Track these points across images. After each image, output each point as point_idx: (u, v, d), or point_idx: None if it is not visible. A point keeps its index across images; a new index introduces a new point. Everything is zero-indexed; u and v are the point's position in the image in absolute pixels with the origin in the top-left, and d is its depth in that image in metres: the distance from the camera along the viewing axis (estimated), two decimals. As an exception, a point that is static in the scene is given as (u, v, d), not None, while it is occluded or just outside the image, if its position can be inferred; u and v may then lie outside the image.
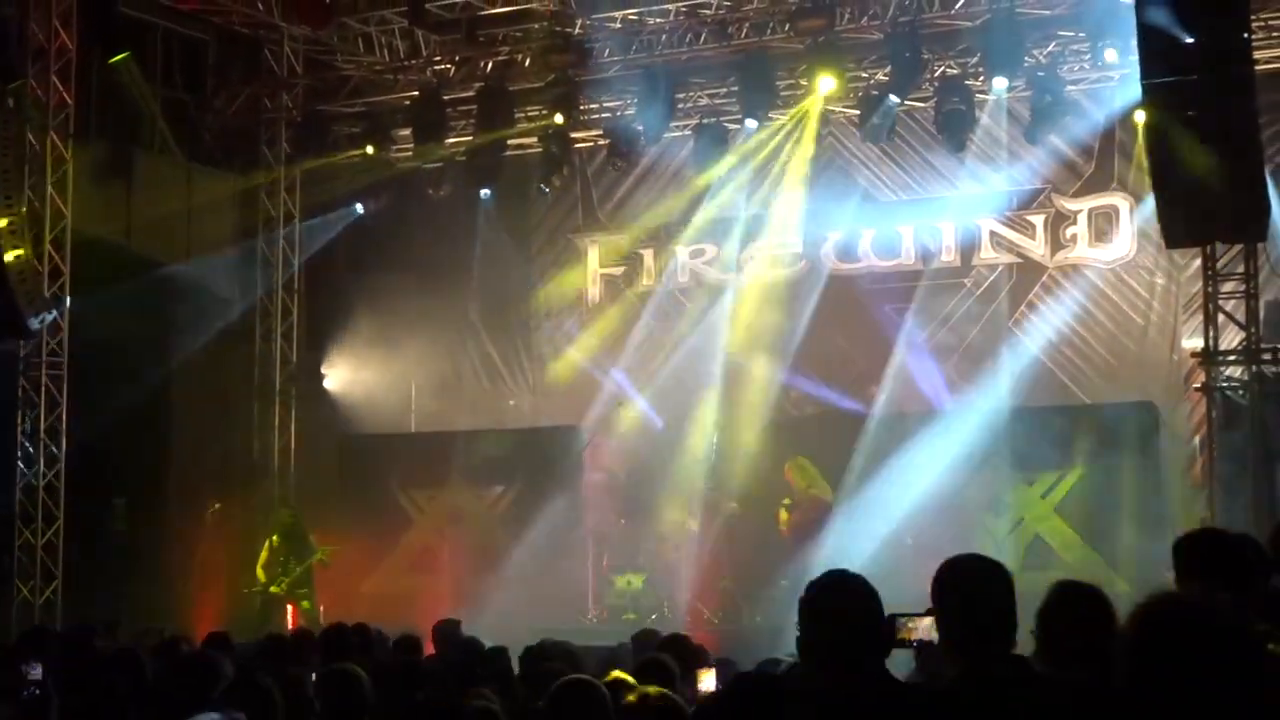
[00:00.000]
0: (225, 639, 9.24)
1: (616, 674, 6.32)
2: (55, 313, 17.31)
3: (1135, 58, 13.84)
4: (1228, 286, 15.77)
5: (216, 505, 19.50)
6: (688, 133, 19.71)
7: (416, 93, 19.79)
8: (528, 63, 19.45)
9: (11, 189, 16.49)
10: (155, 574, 18.20)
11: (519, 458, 19.53)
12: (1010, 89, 17.70)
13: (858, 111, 18.50)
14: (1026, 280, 19.02)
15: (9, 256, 15.93)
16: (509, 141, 19.88)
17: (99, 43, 18.16)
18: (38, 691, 7.09)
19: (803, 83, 18.29)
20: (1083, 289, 18.64)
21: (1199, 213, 13.48)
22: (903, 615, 4.56)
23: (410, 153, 20.38)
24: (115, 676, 6.92)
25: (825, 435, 18.23)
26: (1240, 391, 15.53)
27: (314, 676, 7.16)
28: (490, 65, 19.71)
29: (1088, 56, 17.33)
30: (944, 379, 18.61)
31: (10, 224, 16.06)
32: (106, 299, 17.72)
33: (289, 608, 18.30)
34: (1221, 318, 15.61)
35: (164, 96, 19.93)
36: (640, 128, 19.23)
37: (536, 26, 19.02)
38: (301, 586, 18.45)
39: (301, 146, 20.64)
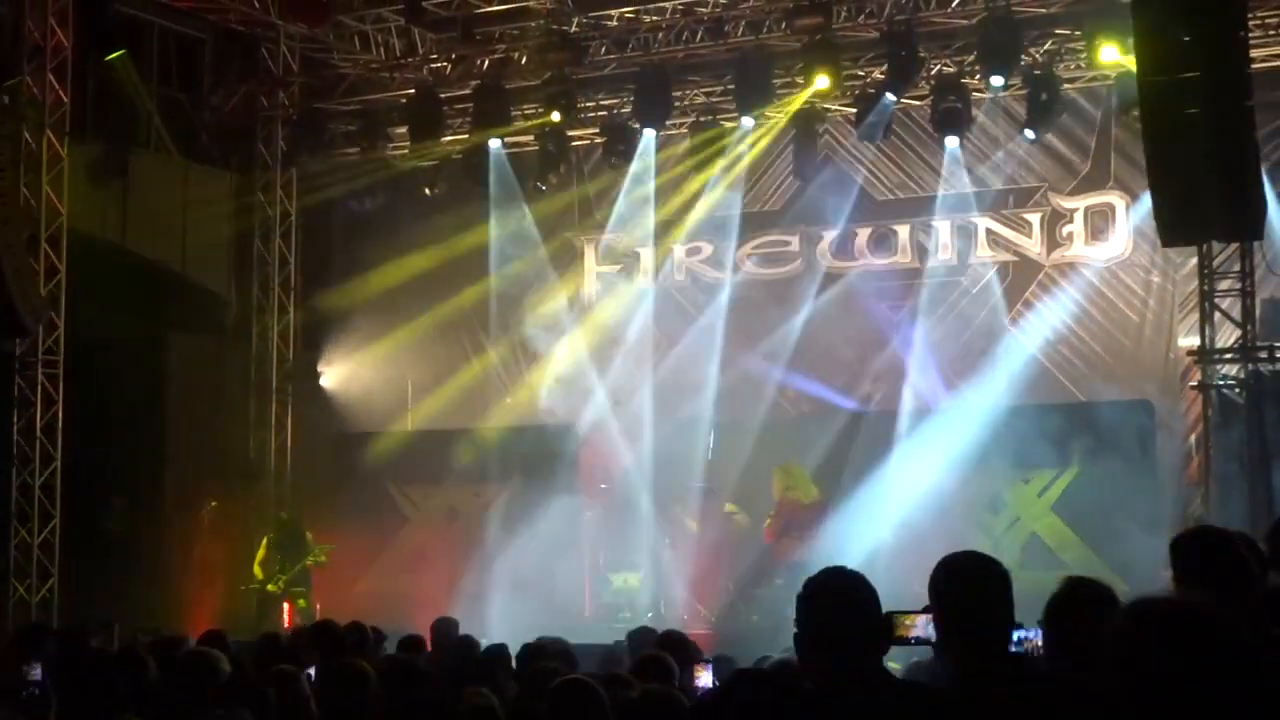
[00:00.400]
0: (222, 637, 9.22)
1: (615, 672, 6.33)
2: (51, 311, 17.31)
3: (1132, 56, 13.86)
4: (1224, 285, 15.80)
5: (213, 504, 19.51)
6: (684, 130, 19.73)
7: (413, 91, 19.78)
8: (524, 61, 19.46)
9: (7, 187, 16.49)
10: (152, 573, 18.21)
11: (515, 456, 19.53)
12: (1007, 87, 17.70)
13: (854, 110, 18.51)
14: (1023, 278, 19.02)
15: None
16: (506, 140, 19.89)
17: (95, 41, 18.18)
18: (37, 692, 7.08)
19: (799, 81, 18.29)
20: (1079, 287, 18.63)
21: (1195, 211, 13.50)
22: (900, 613, 4.55)
23: (406, 151, 20.38)
24: (115, 676, 6.90)
25: (821, 434, 18.24)
26: (1236, 389, 15.56)
27: (308, 674, 7.17)
28: (487, 63, 19.71)
29: (1084, 55, 17.34)
30: (940, 377, 18.61)
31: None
32: (103, 297, 17.73)
33: (285, 606, 18.31)
34: (1217, 316, 15.65)
35: (160, 95, 19.94)
36: (637, 126, 19.24)
37: (533, 25, 19.01)
38: (298, 585, 18.48)
39: (298, 145, 20.65)
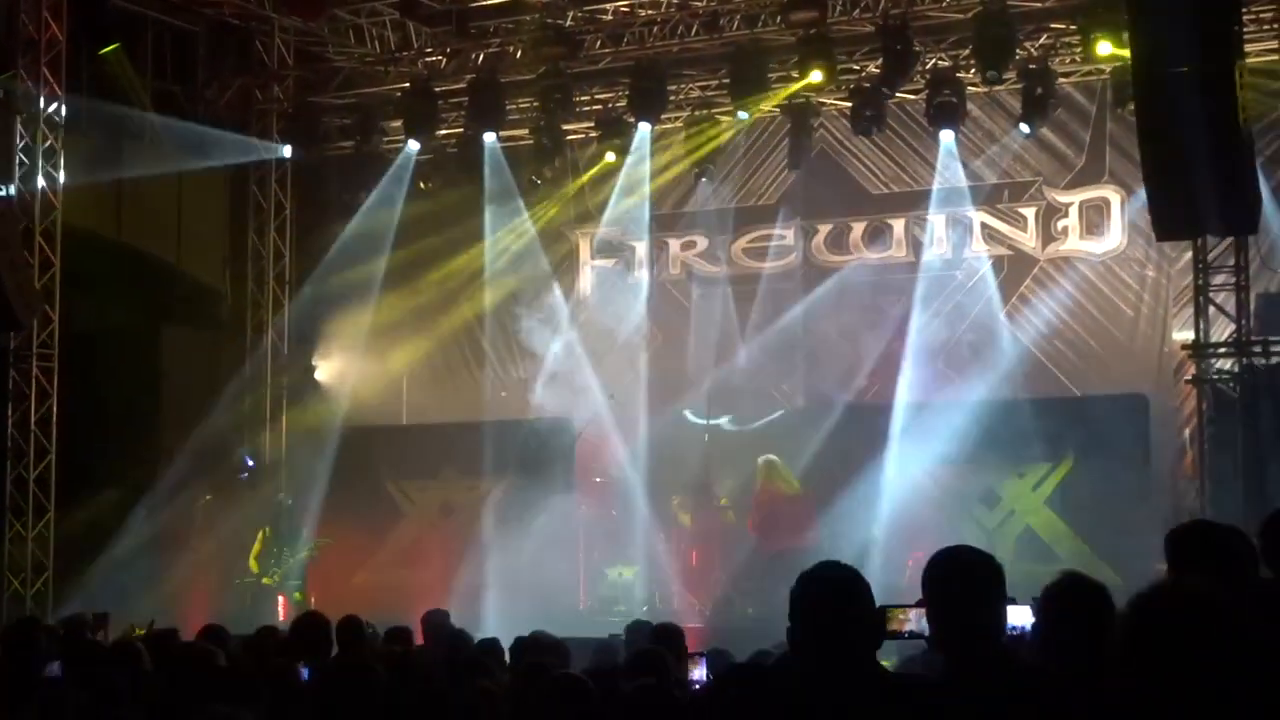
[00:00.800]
0: (221, 631, 9.21)
1: (608, 668, 6.34)
2: (46, 304, 17.29)
3: (1127, 50, 13.85)
4: (1218, 279, 15.81)
5: (208, 497, 19.49)
6: (679, 124, 19.72)
7: (407, 84, 19.77)
8: (519, 55, 19.44)
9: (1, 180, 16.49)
10: (147, 566, 18.18)
11: (510, 450, 19.49)
12: (1002, 81, 17.71)
13: (849, 104, 18.51)
14: (1018, 273, 19.03)
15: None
16: (501, 134, 19.88)
17: (89, 34, 18.14)
18: (55, 691, 7.03)
19: (794, 74, 18.28)
20: (1074, 281, 18.66)
21: (1190, 205, 13.46)
22: (893, 607, 4.56)
23: (401, 144, 20.37)
24: (112, 670, 6.90)
25: (815, 428, 18.22)
26: (1231, 384, 15.56)
27: (303, 669, 7.16)
28: (481, 57, 19.70)
29: (1079, 49, 17.35)
30: (935, 371, 18.62)
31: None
32: (97, 291, 17.71)
33: (280, 599, 18.32)
34: (1212, 310, 15.66)
35: (155, 88, 19.90)
36: (632, 119, 19.24)
37: (528, 18, 19.02)
38: (293, 578, 18.49)
39: (292, 138, 20.64)
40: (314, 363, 21.69)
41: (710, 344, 19.76)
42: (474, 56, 19.75)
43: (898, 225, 19.69)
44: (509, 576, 17.23)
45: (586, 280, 21.36)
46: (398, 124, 20.12)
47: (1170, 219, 13.81)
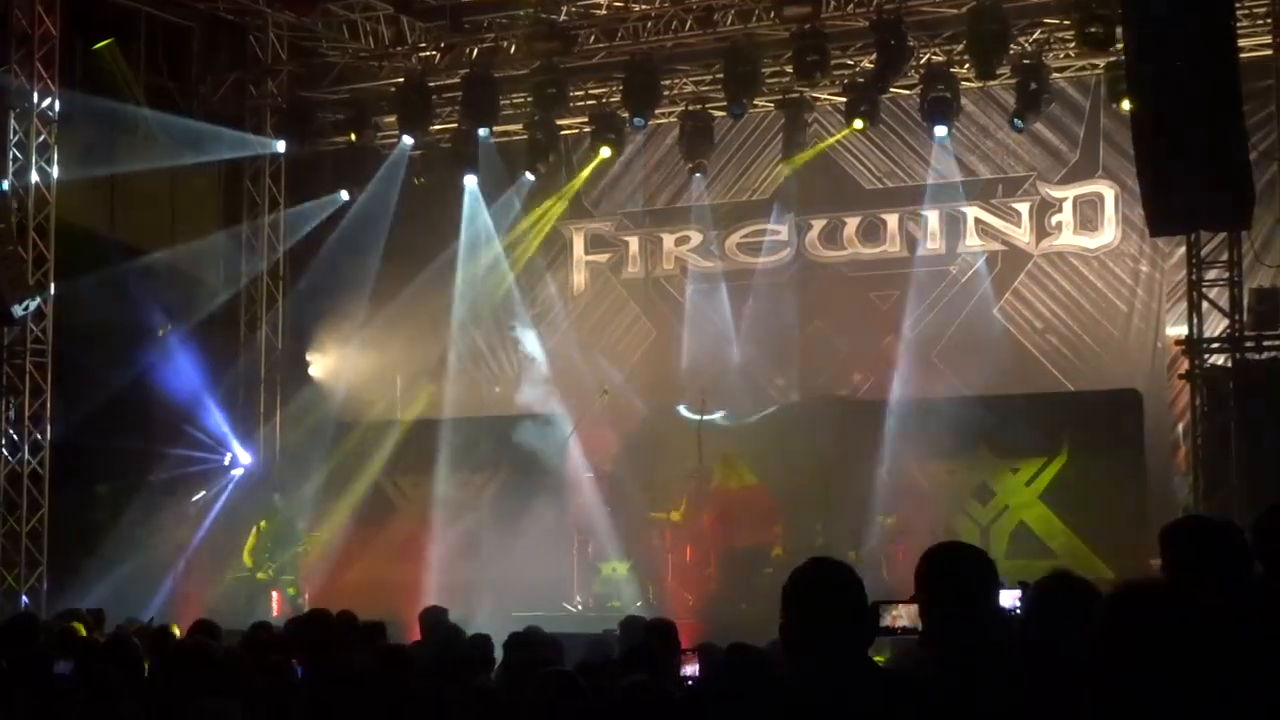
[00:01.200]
0: (214, 627, 9.21)
1: (601, 663, 6.34)
2: (39, 299, 17.27)
3: (1121, 45, 13.86)
4: (1212, 274, 15.81)
5: (203, 493, 19.48)
6: (673, 120, 19.71)
7: (402, 79, 19.76)
8: (513, 50, 19.42)
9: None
10: (140, 561, 18.17)
11: (504, 446, 19.47)
12: (996, 77, 17.71)
13: (844, 99, 18.50)
14: (1011, 268, 19.05)
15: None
16: (495, 129, 19.87)
17: (83, 29, 18.11)
18: (67, 689, 7.00)
19: (788, 70, 18.27)
20: (1068, 276, 18.70)
21: (1183, 201, 13.48)
22: (885, 603, 4.56)
23: (395, 139, 20.36)
24: (107, 665, 6.90)
25: (810, 423, 18.22)
26: (1224, 379, 15.57)
27: (296, 665, 7.16)
28: (475, 52, 19.68)
29: (1073, 44, 17.35)
30: (928, 366, 18.63)
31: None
32: (91, 286, 17.69)
33: (274, 594, 18.31)
34: (1206, 305, 15.65)
35: (148, 83, 19.86)
36: (625, 115, 19.23)
37: (522, 14, 19.00)
38: (287, 573, 18.48)
39: (286, 133, 20.62)
40: (308, 358, 21.68)
41: (704, 339, 19.76)
42: (468, 52, 19.73)
43: (892, 220, 19.70)
44: (502, 572, 17.22)
45: (580, 275, 21.35)
46: (392, 119, 20.11)
47: (1164, 214, 13.82)
